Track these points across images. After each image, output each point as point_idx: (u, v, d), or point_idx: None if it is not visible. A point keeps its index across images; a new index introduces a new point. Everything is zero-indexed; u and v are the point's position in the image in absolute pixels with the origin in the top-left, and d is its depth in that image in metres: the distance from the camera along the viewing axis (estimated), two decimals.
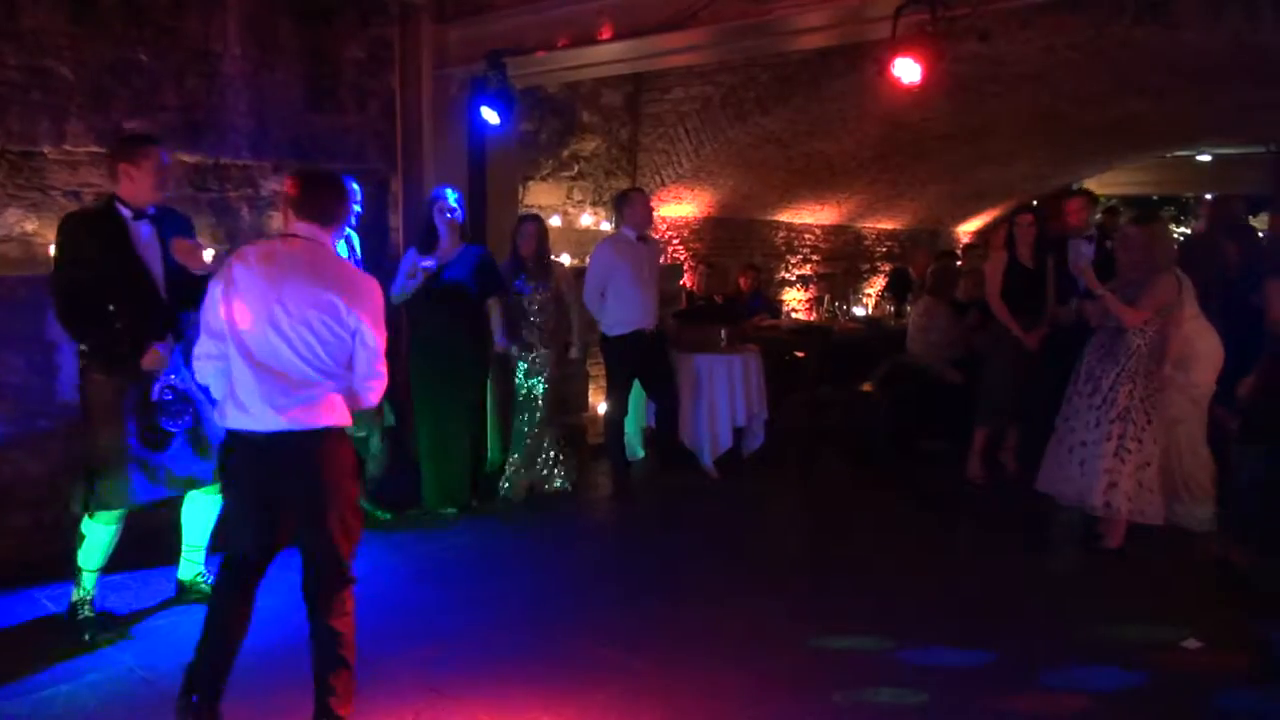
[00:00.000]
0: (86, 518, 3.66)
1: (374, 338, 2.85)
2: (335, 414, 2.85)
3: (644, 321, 5.73)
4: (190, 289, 3.57)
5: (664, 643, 3.74)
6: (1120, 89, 6.53)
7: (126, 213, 3.67)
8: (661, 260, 6.10)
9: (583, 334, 5.87)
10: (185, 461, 3.77)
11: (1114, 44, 5.33)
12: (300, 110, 5.53)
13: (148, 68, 4.89)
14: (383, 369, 2.91)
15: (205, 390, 3.24)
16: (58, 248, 3.73)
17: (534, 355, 5.62)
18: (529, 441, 5.69)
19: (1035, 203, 11.50)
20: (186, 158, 5.11)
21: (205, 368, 2.88)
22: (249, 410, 2.78)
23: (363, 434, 5.12)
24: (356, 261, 5.03)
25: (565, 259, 6.50)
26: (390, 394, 5.32)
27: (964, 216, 12.15)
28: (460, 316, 5.33)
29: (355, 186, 4.88)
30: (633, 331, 5.70)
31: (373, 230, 5.83)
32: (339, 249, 4.75)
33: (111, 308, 3.58)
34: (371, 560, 4.61)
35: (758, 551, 4.90)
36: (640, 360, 5.78)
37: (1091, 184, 11.06)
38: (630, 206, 5.81)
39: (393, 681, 3.38)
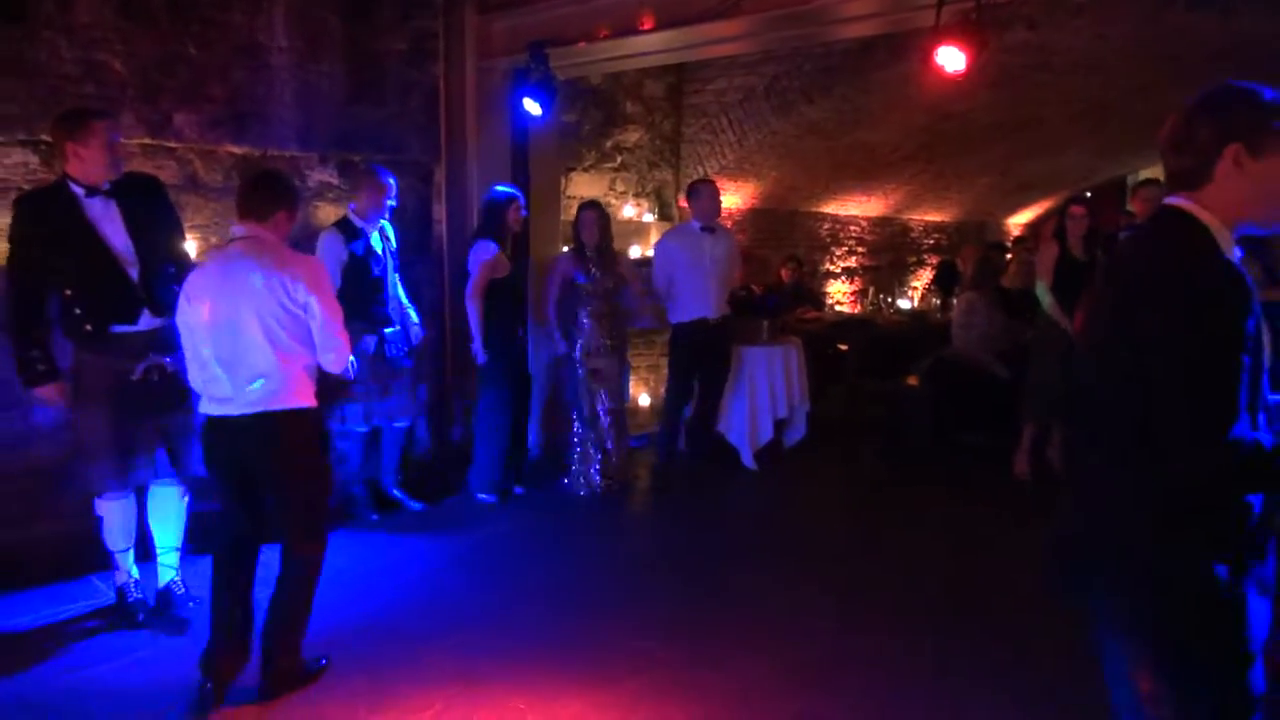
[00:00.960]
0: (98, 499, 3.68)
1: (321, 309, 3.09)
2: (298, 396, 3.10)
3: (705, 310, 5.77)
4: (172, 260, 3.60)
5: (697, 636, 3.73)
6: (1174, 78, 6.35)
7: (79, 190, 3.48)
8: (732, 250, 6.03)
9: (655, 312, 5.92)
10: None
11: (1167, 32, 5.19)
12: (344, 102, 5.59)
13: (195, 60, 4.98)
14: (341, 337, 3.17)
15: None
16: (10, 230, 3.57)
17: (593, 346, 5.58)
18: (585, 432, 5.68)
19: (1088, 194, 11.26)
20: (234, 149, 5.20)
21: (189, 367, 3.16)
22: (219, 398, 3.06)
23: (403, 424, 5.18)
24: (392, 253, 5.06)
25: None
26: (434, 384, 5.45)
27: (1013, 208, 11.93)
28: (515, 306, 5.39)
29: (391, 180, 4.92)
30: (695, 320, 5.77)
31: (416, 221, 5.89)
32: (373, 240, 4.85)
33: (68, 292, 3.47)
34: (409, 547, 4.68)
35: (795, 546, 4.87)
36: (701, 349, 5.84)
37: (1149, 174, 10.78)
38: (696, 198, 5.93)
39: (427, 666, 3.42)
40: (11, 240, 3.57)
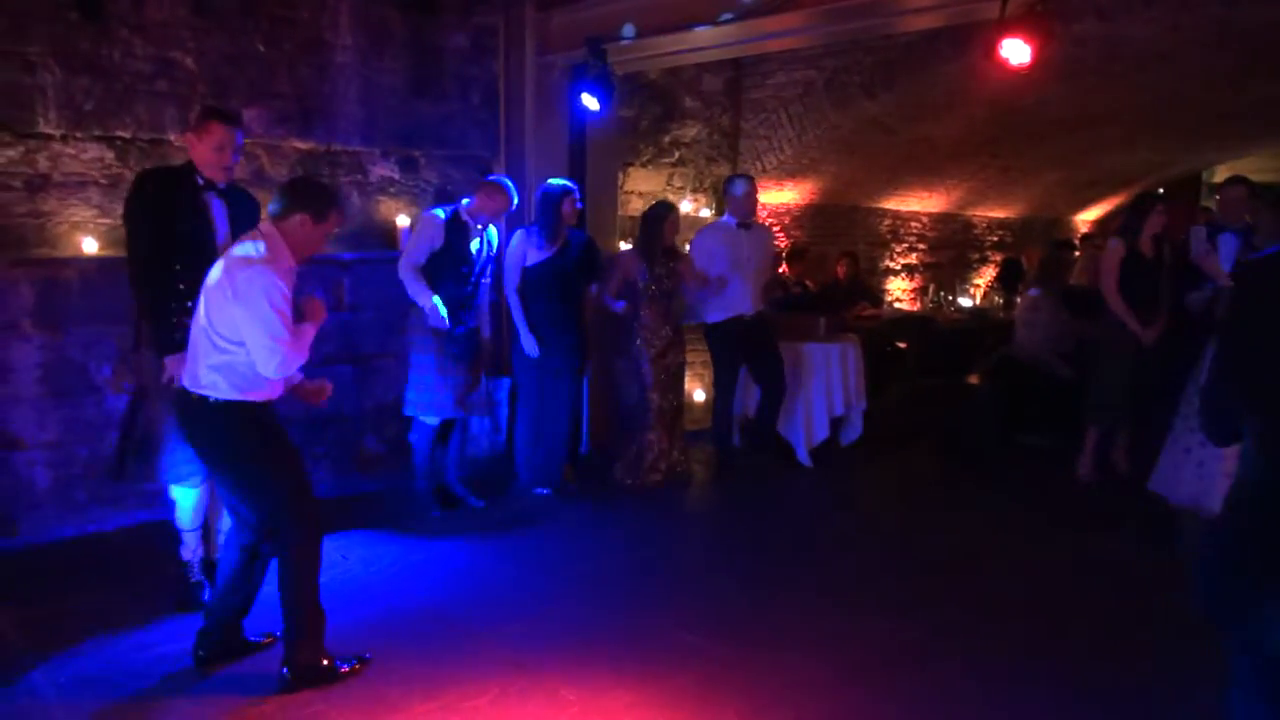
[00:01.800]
0: (171, 484, 3.79)
1: (247, 318, 3.03)
2: (223, 389, 3.12)
3: (742, 307, 5.74)
4: None
5: (747, 631, 3.72)
6: (1254, 69, 6.13)
7: (199, 179, 3.61)
8: (768, 246, 5.99)
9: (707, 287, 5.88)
10: None
11: (1244, 21, 5.00)
12: (406, 98, 5.69)
13: (264, 57, 5.10)
14: (280, 346, 3.06)
15: None
16: (134, 201, 3.63)
17: (650, 341, 5.57)
18: (639, 427, 5.67)
19: (1161, 189, 10.92)
20: (300, 144, 5.32)
21: None
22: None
23: (480, 419, 5.24)
24: (489, 258, 5.10)
25: None
26: (492, 375, 5.51)
27: (1082, 205, 11.63)
28: (571, 300, 5.41)
29: (515, 197, 4.99)
30: (731, 317, 5.74)
31: None
32: (474, 240, 4.87)
33: (178, 266, 3.54)
34: (465, 540, 4.74)
35: (848, 545, 4.82)
36: (744, 346, 5.82)
37: (1227, 171, 10.42)
38: (733, 194, 5.89)
39: (481, 655, 3.47)
40: (140, 213, 3.60)
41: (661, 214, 5.54)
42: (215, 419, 3.15)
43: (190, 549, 3.91)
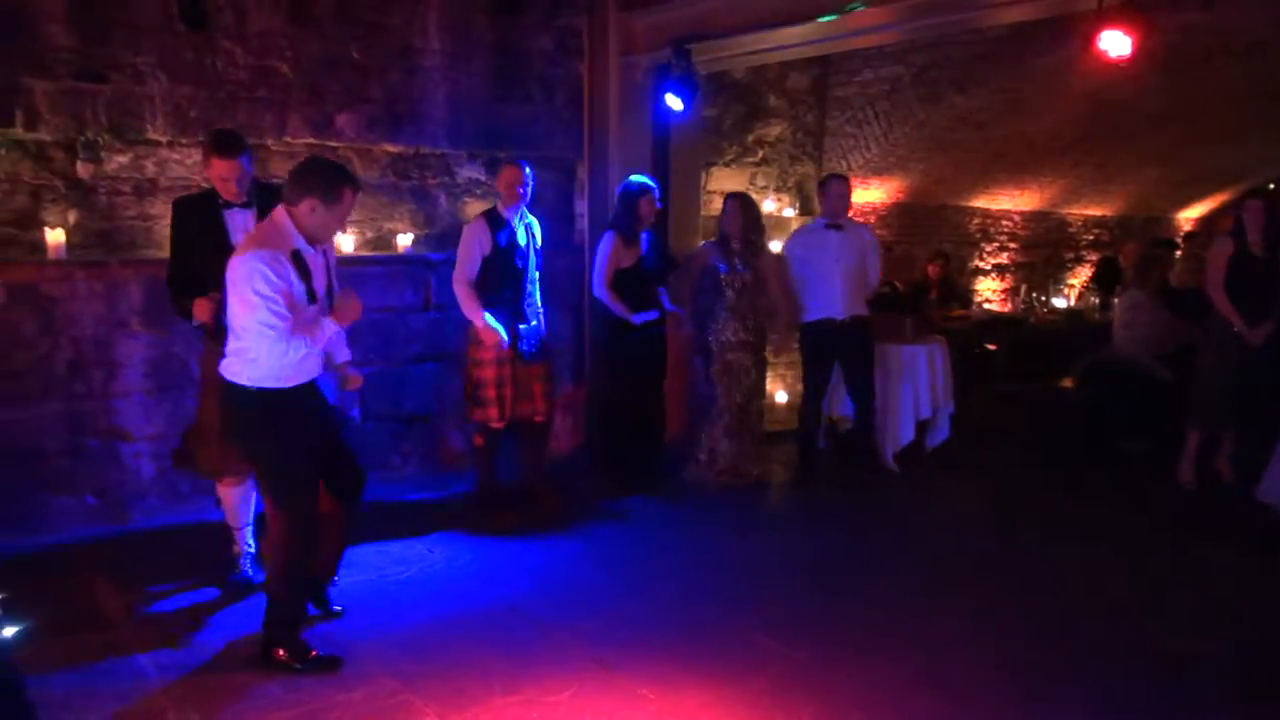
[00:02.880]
0: (218, 483, 3.98)
1: (234, 302, 3.15)
2: (235, 372, 3.24)
3: (832, 309, 5.65)
4: None
5: (826, 635, 3.68)
6: None
7: (220, 200, 3.75)
8: (864, 247, 5.84)
9: (790, 318, 5.79)
10: None
11: None
12: (491, 100, 5.78)
13: (356, 63, 5.25)
14: (274, 329, 3.10)
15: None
16: (171, 224, 3.93)
17: (726, 338, 5.52)
18: (714, 426, 5.63)
19: (1271, 185, 10.39)
20: (390, 147, 5.46)
21: None
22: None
23: (540, 420, 5.27)
24: (536, 250, 5.06)
25: None
26: (572, 378, 5.56)
27: (1185, 202, 11.14)
28: (650, 299, 5.40)
29: (524, 169, 4.84)
30: (820, 319, 5.67)
31: (558, 216, 6.03)
32: (517, 233, 4.89)
33: (201, 276, 3.69)
34: (544, 536, 4.78)
35: (933, 551, 4.71)
36: (832, 349, 5.74)
37: None
38: (823, 194, 5.86)
39: (559, 652, 3.51)
40: (171, 234, 3.92)
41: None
42: (234, 404, 3.30)
43: (239, 545, 4.06)
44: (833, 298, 5.64)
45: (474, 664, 3.41)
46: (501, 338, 4.77)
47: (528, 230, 4.97)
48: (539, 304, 5.05)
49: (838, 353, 5.77)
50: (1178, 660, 3.49)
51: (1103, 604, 4.03)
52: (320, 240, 3.29)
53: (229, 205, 3.76)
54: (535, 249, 5.00)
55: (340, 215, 3.30)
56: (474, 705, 3.12)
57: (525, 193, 4.84)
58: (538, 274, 5.06)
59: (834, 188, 5.74)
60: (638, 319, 5.25)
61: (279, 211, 3.23)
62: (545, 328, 5.09)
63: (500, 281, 4.82)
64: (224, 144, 3.70)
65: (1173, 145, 8.43)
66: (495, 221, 4.84)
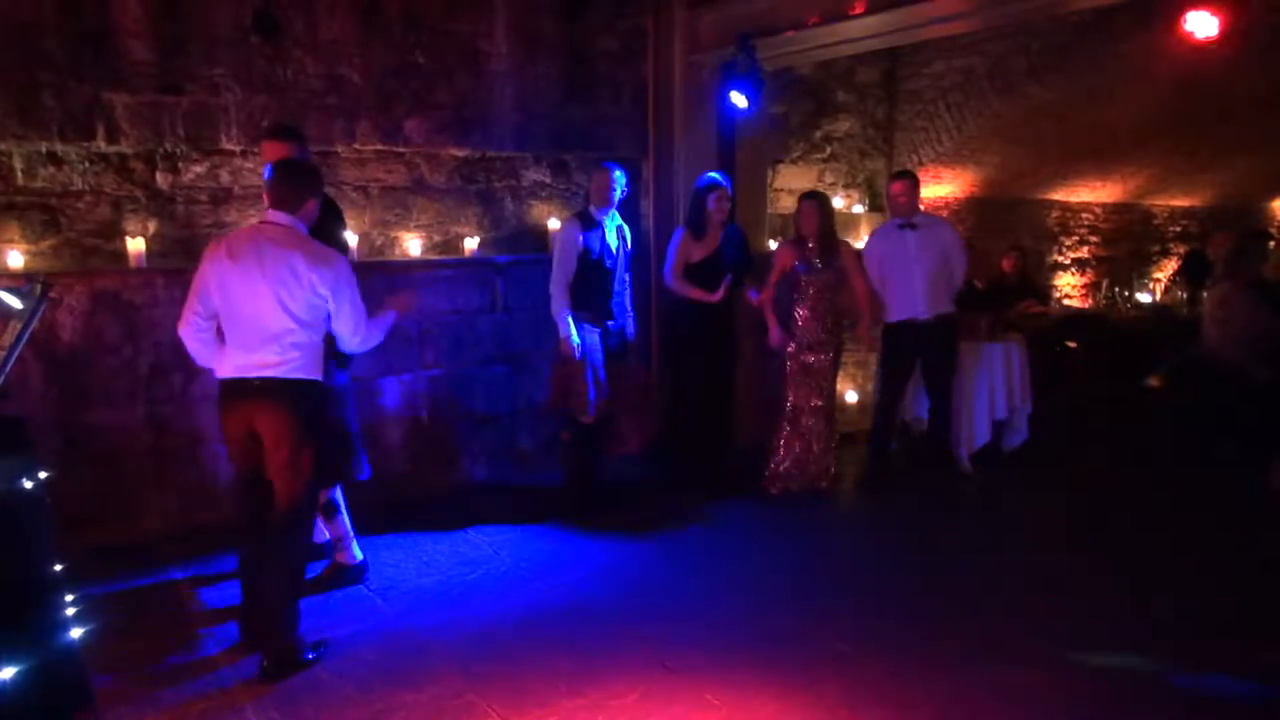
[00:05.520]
0: None
1: (347, 302, 3.36)
2: (305, 368, 3.35)
3: (913, 310, 5.53)
4: None
5: (901, 645, 3.57)
6: None
7: None
8: (944, 245, 5.63)
9: (874, 315, 5.67)
10: None
11: None
12: (558, 103, 5.79)
13: (424, 69, 5.30)
14: (369, 323, 3.47)
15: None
16: None
17: (806, 339, 5.39)
18: (793, 428, 5.50)
19: None
20: (456, 151, 5.50)
21: (189, 334, 3.41)
22: (237, 362, 3.34)
23: (607, 415, 5.26)
24: (626, 253, 5.09)
25: None
26: (641, 377, 5.52)
27: None
28: (726, 296, 5.33)
29: (616, 171, 4.96)
30: (902, 320, 5.57)
31: (624, 218, 5.99)
32: (607, 235, 4.92)
33: None
34: (612, 536, 4.76)
35: (1013, 560, 4.54)
36: (914, 349, 5.62)
37: None
38: (887, 193, 5.76)
39: (625, 654, 3.47)
40: None
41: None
42: (317, 398, 3.49)
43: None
44: (914, 297, 5.51)
45: (539, 664, 3.40)
46: (574, 347, 4.86)
47: (618, 232, 5.04)
48: (629, 306, 5.15)
49: (919, 353, 5.64)
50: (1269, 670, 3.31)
51: (1191, 623, 3.84)
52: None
53: None
54: (625, 251, 5.09)
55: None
56: (539, 707, 3.10)
57: (614, 196, 4.95)
58: (628, 276, 5.14)
59: (899, 186, 5.56)
60: (717, 294, 5.21)
61: (295, 221, 3.37)
62: (630, 333, 5.18)
63: (588, 282, 4.91)
64: (275, 129, 3.88)
65: (1270, 130, 8.03)
66: (587, 223, 4.93)
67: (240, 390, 3.35)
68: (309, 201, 3.40)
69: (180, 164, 4.72)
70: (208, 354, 3.45)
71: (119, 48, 4.50)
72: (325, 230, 3.68)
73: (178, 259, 4.70)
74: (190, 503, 4.76)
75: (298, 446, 3.34)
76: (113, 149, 4.55)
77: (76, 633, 2.24)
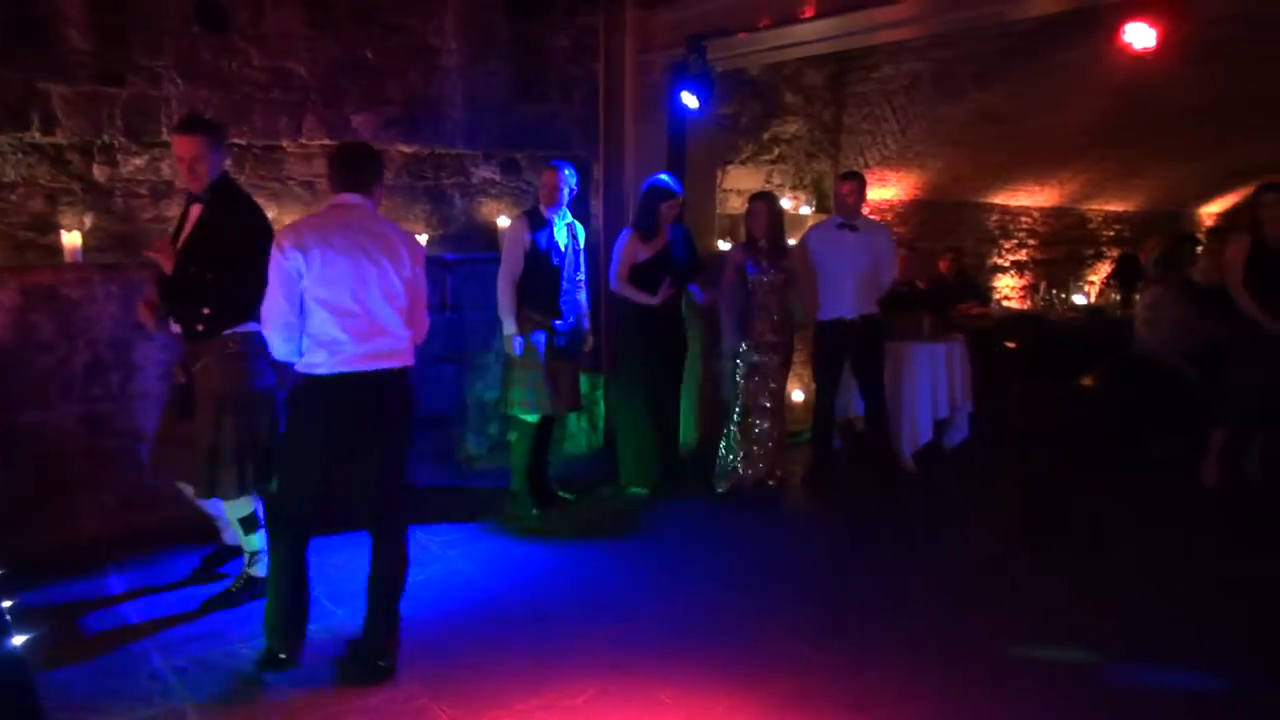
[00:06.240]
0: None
1: (422, 286, 3.36)
2: (408, 356, 3.30)
3: (842, 309, 5.58)
4: (199, 276, 3.57)
5: (854, 641, 3.63)
6: None
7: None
8: (880, 248, 5.70)
9: (809, 314, 5.72)
10: None
11: None
12: (508, 101, 5.75)
13: (373, 64, 5.23)
14: (426, 313, 3.43)
15: None
16: None
17: (756, 340, 5.41)
18: (741, 429, 5.52)
19: None
20: (405, 148, 5.44)
21: (275, 330, 3.14)
22: (335, 356, 3.13)
23: (555, 414, 5.26)
24: (576, 251, 5.12)
25: None
26: (591, 372, 5.53)
27: (1211, 197, 11.02)
28: (670, 296, 5.35)
29: (564, 170, 4.97)
30: (833, 319, 5.61)
31: (574, 214, 5.98)
32: (556, 233, 4.94)
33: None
34: (564, 536, 4.76)
35: (956, 555, 4.65)
36: (844, 349, 5.67)
37: None
38: (835, 192, 5.81)
39: (578, 654, 3.47)
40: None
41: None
42: (409, 387, 3.41)
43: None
44: (844, 297, 5.57)
45: (492, 665, 3.38)
46: (516, 345, 4.89)
47: (569, 230, 5.04)
48: (583, 303, 5.16)
49: (848, 351, 5.70)
50: (1195, 660, 3.43)
51: (1128, 613, 3.97)
52: None
53: (195, 199, 3.69)
54: (576, 249, 5.10)
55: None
56: (493, 709, 3.08)
57: (563, 195, 4.98)
58: (583, 274, 5.15)
59: (845, 186, 5.62)
60: (657, 298, 5.24)
61: (369, 202, 3.28)
62: (585, 326, 5.19)
63: (536, 280, 4.92)
64: (184, 121, 3.70)
65: (1203, 139, 8.30)
66: (535, 221, 4.95)
67: (349, 386, 3.15)
68: (378, 182, 3.32)
69: (119, 156, 4.59)
70: (291, 349, 3.18)
71: (58, 36, 4.36)
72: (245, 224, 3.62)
73: (116, 253, 4.58)
74: (130, 503, 4.63)
75: (405, 441, 3.36)
76: (48, 140, 4.41)
77: (18, 640, 2.16)
